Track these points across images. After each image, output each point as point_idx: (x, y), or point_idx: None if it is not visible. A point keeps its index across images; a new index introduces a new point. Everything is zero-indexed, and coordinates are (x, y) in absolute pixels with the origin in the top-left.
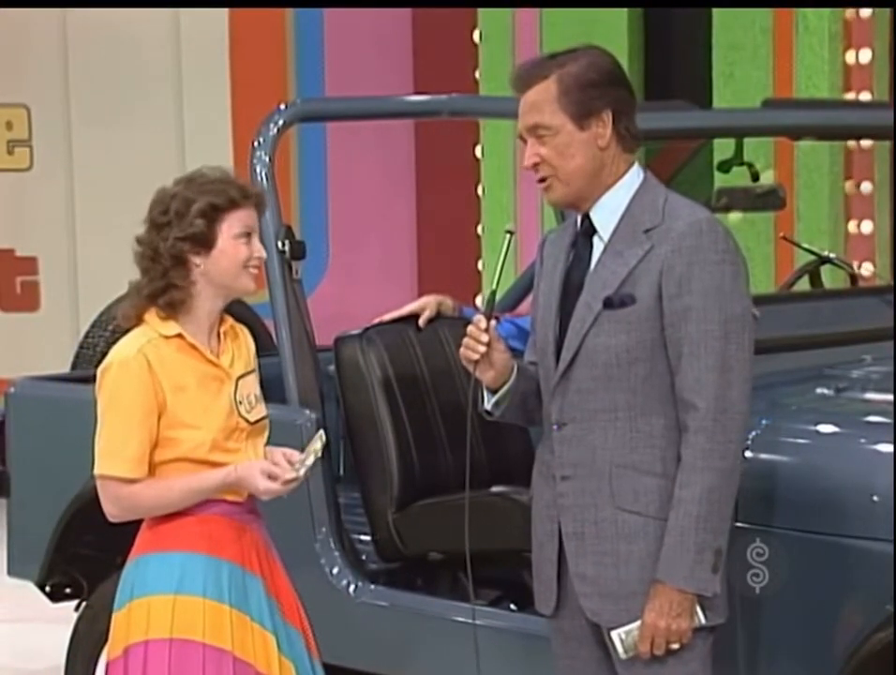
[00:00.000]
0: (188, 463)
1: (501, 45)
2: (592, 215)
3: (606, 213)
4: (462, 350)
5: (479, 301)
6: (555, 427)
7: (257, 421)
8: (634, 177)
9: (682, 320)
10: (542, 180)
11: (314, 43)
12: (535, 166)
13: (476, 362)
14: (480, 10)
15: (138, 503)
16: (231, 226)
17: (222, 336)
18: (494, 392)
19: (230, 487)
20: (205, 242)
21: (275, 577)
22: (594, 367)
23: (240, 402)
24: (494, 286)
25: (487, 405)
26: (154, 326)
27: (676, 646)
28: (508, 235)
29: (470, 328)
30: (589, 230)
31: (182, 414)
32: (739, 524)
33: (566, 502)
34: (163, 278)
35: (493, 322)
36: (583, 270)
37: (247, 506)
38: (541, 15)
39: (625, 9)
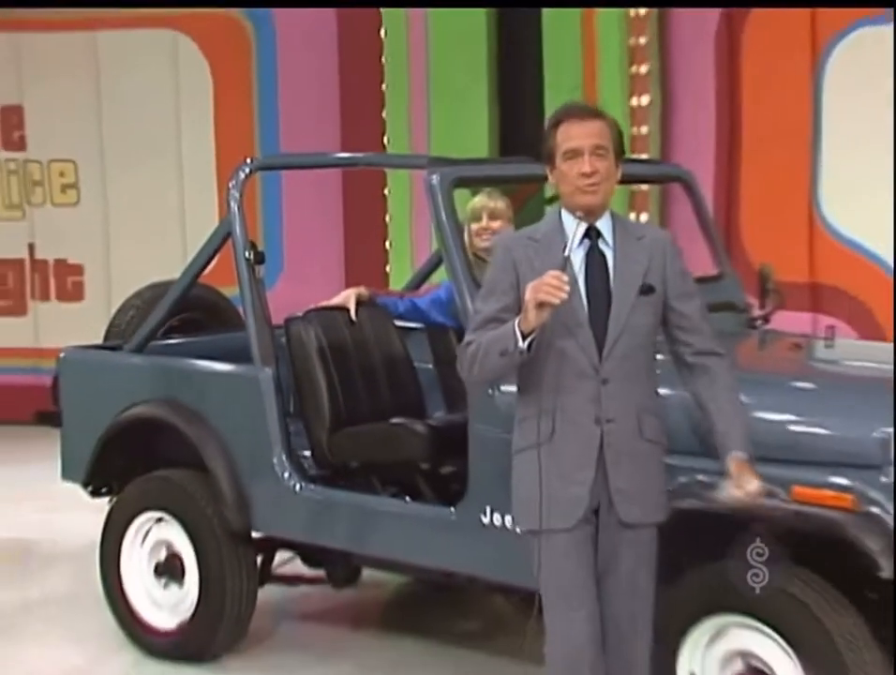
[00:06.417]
0: None
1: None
2: (599, 225)
3: (605, 226)
4: (543, 295)
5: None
6: (602, 383)
7: None
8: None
9: (689, 299)
10: (591, 184)
11: (271, 110)
12: (594, 173)
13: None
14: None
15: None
16: None
17: None
18: (525, 337)
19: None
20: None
21: None
22: (636, 337)
23: None
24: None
25: (523, 344)
26: None
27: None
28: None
29: (554, 277)
30: (595, 236)
31: None
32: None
33: (611, 438)
34: None
35: None
36: (603, 265)
37: None
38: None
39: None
